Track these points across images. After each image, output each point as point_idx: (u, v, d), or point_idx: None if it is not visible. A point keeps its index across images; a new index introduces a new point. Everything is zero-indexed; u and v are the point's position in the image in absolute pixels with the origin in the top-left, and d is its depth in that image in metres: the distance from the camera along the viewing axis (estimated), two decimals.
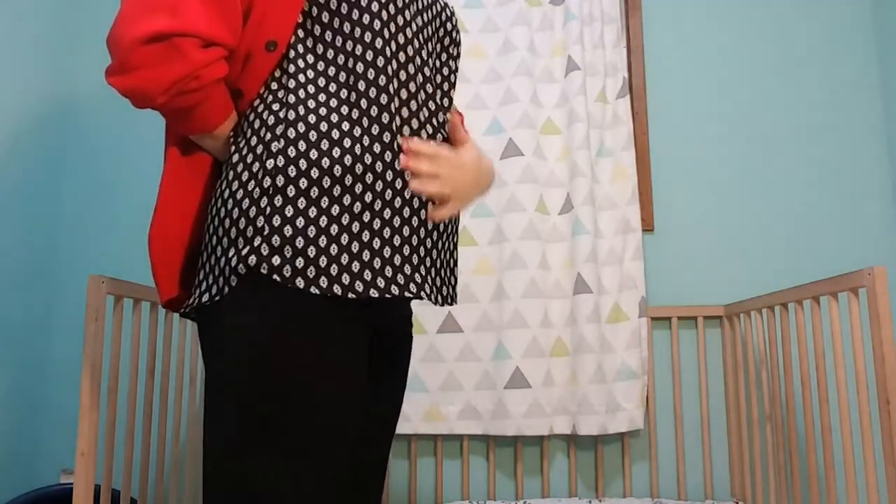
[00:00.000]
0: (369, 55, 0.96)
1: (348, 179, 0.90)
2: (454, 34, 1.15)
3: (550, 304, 2.09)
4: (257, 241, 0.86)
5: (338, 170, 0.90)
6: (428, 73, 1.05)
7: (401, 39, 0.99)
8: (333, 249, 0.87)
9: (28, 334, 2.17)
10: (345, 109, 0.93)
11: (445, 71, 1.13)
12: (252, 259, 0.86)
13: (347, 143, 0.91)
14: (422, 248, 0.97)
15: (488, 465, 2.14)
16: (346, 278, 0.87)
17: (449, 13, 1.14)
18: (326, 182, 0.89)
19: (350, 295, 0.87)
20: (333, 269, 0.87)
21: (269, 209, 0.87)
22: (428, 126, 1.00)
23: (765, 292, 2.25)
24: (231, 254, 0.88)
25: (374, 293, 0.89)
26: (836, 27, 2.40)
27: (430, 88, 1.03)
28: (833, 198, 2.30)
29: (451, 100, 1.15)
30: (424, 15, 1.07)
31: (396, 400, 1.12)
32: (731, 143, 2.35)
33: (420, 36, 1.05)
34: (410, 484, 2.12)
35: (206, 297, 0.90)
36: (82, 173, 2.36)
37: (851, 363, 2.17)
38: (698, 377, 2.19)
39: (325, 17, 0.96)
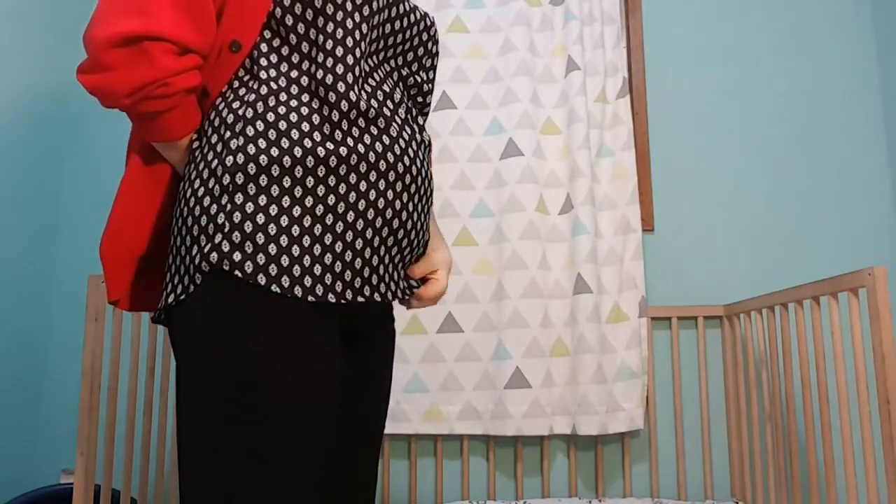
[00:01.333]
0: (329, 62, 0.95)
1: (310, 181, 0.90)
2: (430, 45, 1.14)
3: (550, 304, 2.09)
4: (218, 238, 0.86)
5: (299, 171, 0.89)
6: (395, 81, 1.04)
7: (363, 48, 0.99)
8: (295, 250, 0.87)
9: (28, 334, 2.17)
10: (305, 111, 0.93)
11: (418, 79, 1.14)
12: (213, 256, 0.85)
13: (308, 143, 0.91)
14: (382, 249, 0.96)
15: (488, 465, 2.14)
16: (307, 280, 0.87)
17: (427, 23, 1.14)
18: (287, 182, 0.89)
19: (310, 298, 0.87)
20: (296, 270, 0.87)
21: (229, 206, 0.87)
22: (392, 131, 0.99)
23: (765, 292, 2.25)
24: (194, 252, 0.88)
25: (331, 298, 0.89)
26: (836, 27, 2.40)
27: (396, 97, 1.03)
28: (833, 198, 2.31)
29: (424, 108, 1.16)
30: (397, 23, 1.07)
31: (380, 400, 1.10)
32: (731, 142, 2.35)
33: (386, 42, 1.05)
34: (410, 484, 2.12)
35: (171, 298, 0.90)
36: (82, 173, 2.36)
37: (851, 363, 2.17)
38: (698, 377, 2.19)
39: (290, 20, 0.96)
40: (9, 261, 2.10)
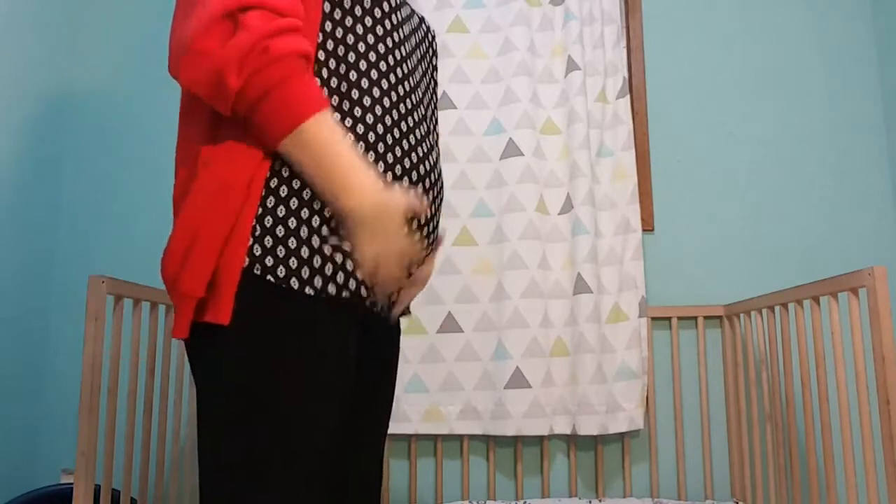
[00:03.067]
0: (362, 79, 0.96)
1: None
2: (434, 59, 1.18)
3: (550, 304, 2.09)
4: (249, 242, 0.86)
5: None
6: (420, 94, 1.06)
7: (398, 69, 1.00)
8: (327, 250, 0.88)
9: (28, 334, 2.17)
10: (337, 115, 0.93)
11: (431, 94, 1.17)
12: (245, 261, 0.86)
13: None
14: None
15: (488, 465, 2.14)
16: (340, 277, 0.88)
17: (431, 37, 1.16)
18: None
19: (344, 294, 0.88)
20: (328, 269, 0.87)
21: (260, 210, 0.87)
22: (419, 151, 1.01)
23: (765, 292, 2.25)
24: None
25: (364, 291, 0.91)
26: (836, 27, 2.40)
27: (422, 110, 1.05)
28: (833, 198, 2.30)
29: (436, 118, 1.20)
30: (414, 37, 1.09)
31: (386, 400, 1.12)
32: (731, 143, 2.35)
33: (412, 58, 1.07)
34: (410, 484, 2.12)
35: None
36: (82, 173, 2.36)
37: (851, 363, 2.17)
38: (698, 377, 2.19)
39: (329, 26, 0.96)
40: (9, 261, 2.09)
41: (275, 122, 0.81)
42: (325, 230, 0.88)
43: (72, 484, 1.96)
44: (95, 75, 2.42)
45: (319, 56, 0.95)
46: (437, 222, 1.07)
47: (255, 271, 0.85)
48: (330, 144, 0.82)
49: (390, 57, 0.99)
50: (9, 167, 2.10)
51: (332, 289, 0.87)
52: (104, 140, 2.38)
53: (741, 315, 2.12)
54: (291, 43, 0.81)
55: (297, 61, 0.81)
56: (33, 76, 2.21)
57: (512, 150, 2.15)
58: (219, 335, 0.87)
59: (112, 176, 2.36)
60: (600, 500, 1.99)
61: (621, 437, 2.17)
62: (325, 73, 0.95)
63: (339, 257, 0.88)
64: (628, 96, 2.26)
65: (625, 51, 2.39)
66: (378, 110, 0.95)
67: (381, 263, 0.88)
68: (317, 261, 0.87)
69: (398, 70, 1.00)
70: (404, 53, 1.02)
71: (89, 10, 2.46)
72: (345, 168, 0.82)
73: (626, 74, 2.27)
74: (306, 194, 0.88)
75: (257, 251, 0.86)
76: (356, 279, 0.90)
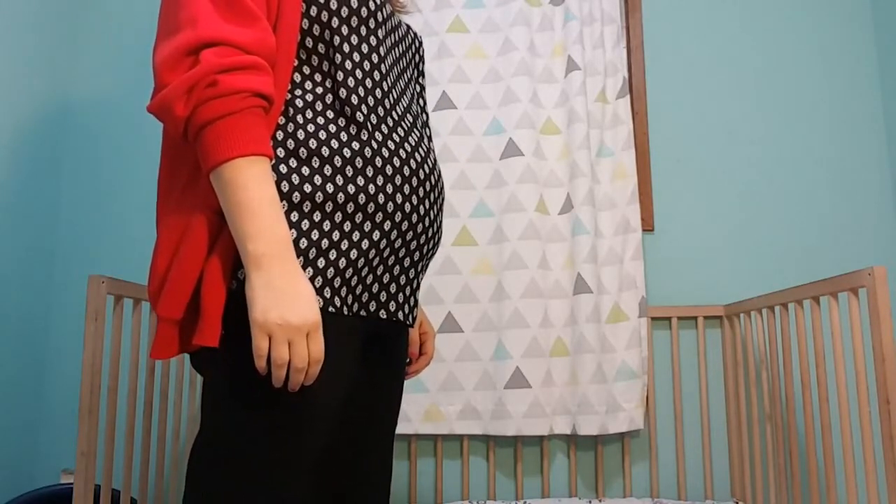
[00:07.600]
0: (350, 81, 0.96)
1: (341, 198, 0.91)
2: (421, 65, 1.20)
3: (550, 304, 2.09)
4: (232, 262, 0.86)
5: (341, 198, 0.91)
6: (406, 103, 1.07)
7: (377, 77, 1.00)
8: (330, 273, 0.88)
9: (28, 334, 2.17)
10: (333, 128, 0.94)
11: (419, 97, 1.18)
12: (232, 283, 0.86)
13: (332, 167, 0.91)
14: (403, 275, 1.01)
15: (488, 465, 2.14)
16: (327, 291, 0.88)
17: (418, 44, 1.18)
18: (319, 197, 0.89)
19: (331, 308, 0.88)
20: (317, 282, 0.88)
21: None
22: (411, 157, 1.01)
23: (765, 292, 2.25)
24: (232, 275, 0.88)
25: (363, 313, 0.93)
26: (836, 27, 2.40)
27: (410, 118, 1.05)
28: (833, 198, 2.30)
29: (427, 120, 1.23)
30: (400, 46, 1.10)
31: (396, 398, 1.13)
32: (731, 142, 2.35)
33: (396, 67, 1.07)
34: (410, 484, 2.12)
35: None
36: (82, 173, 2.36)
37: (851, 363, 2.17)
38: (698, 377, 2.19)
39: (309, 42, 0.96)
40: (9, 261, 2.09)
41: (205, 155, 0.81)
42: (325, 243, 0.89)
43: (72, 484, 1.96)
44: (95, 75, 2.42)
45: (304, 71, 0.96)
46: (440, 222, 1.07)
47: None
48: (246, 189, 0.79)
49: (373, 59, 0.99)
50: (9, 167, 2.10)
51: (337, 301, 0.88)
52: (104, 140, 2.38)
53: (741, 315, 2.12)
54: (245, 81, 0.81)
55: (247, 100, 0.81)
56: (33, 76, 2.21)
57: (512, 150, 2.15)
58: (214, 355, 0.87)
59: (112, 176, 2.36)
60: (600, 500, 1.99)
61: (621, 437, 2.17)
62: (309, 84, 0.95)
63: (330, 272, 0.88)
64: (628, 96, 2.26)
65: (625, 51, 2.39)
66: (368, 129, 0.95)
67: (273, 324, 0.79)
68: (318, 280, 0.87)
69: (376, 72, 1.00)
70: (389, 62, 1.04)
71: (89, 11, 2.46)
72: (253, 213, 0.79)
73: (626, 74, 2.27)
74: (316, 216, 0.88)
75: (242, 276, 0.85)
76: (348, 291, 0.90)
